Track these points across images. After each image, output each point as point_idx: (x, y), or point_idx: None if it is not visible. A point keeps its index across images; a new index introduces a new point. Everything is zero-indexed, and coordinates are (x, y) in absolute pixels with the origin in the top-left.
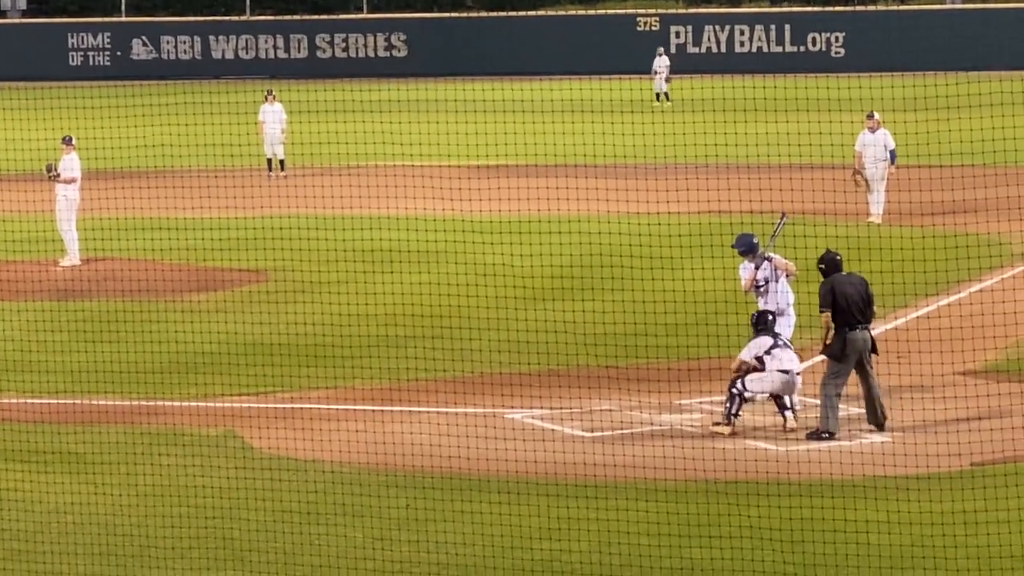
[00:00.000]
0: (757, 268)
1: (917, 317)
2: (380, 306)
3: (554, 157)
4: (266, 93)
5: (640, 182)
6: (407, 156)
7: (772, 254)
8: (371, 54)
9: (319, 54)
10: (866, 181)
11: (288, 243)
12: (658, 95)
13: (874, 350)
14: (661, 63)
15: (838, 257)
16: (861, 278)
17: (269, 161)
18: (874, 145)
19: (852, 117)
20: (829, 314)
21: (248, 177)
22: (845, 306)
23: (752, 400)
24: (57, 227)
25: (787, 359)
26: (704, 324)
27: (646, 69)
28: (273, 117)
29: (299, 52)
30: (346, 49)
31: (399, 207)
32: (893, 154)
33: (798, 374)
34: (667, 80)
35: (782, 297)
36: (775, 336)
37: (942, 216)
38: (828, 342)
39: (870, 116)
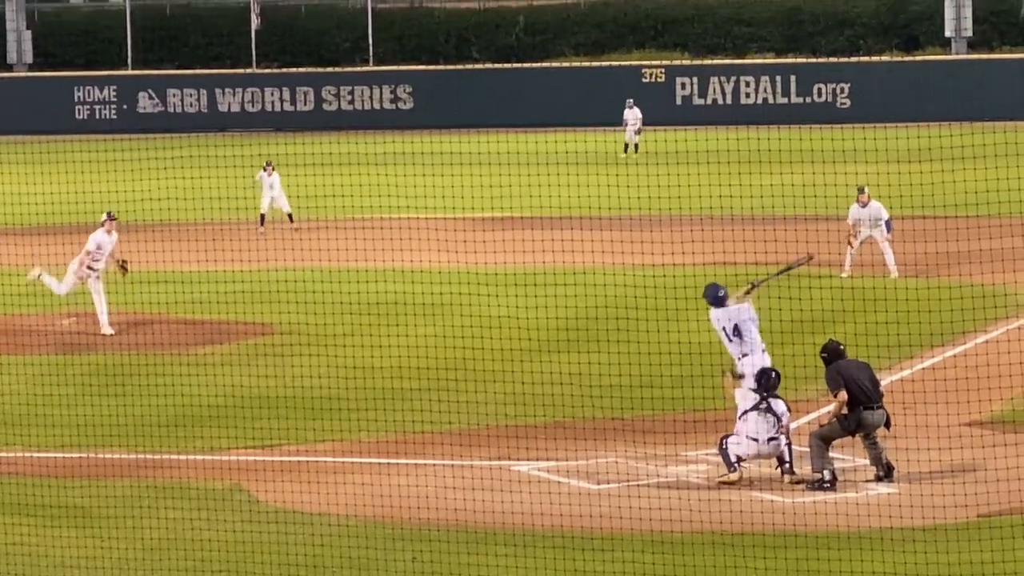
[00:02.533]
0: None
1: (923, 368)
2: (386, 358)
3: (560, 209)
4: (265, 164)
5: (646, 234)
6: (413, 208)
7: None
8: (377, 106)
9: (325, 106)
10: (852, 242)
11: (294, 296)
12: (626, 146)
13: (887, 425)
14: (632, 115)
15: (841, 346)
16: (863, 363)
17: (262, 216)
18: (869, 219)
19: (858, 168)
20: (844, 392)
21: (255, 230)
22: (856, 388)
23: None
24: (93, 298)
25: (758, 426)
26: (710, 376)
27: (651, 120)
28: (268, 183)
29: (305, 104)
30: (352, 101)
31: (405, 259)
32: (888, 224)
33: (772, 440)
34: (638, 132)
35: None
36: (765, 398)
37: (947, 267)
38: (836, 414)
39: (861, 191)
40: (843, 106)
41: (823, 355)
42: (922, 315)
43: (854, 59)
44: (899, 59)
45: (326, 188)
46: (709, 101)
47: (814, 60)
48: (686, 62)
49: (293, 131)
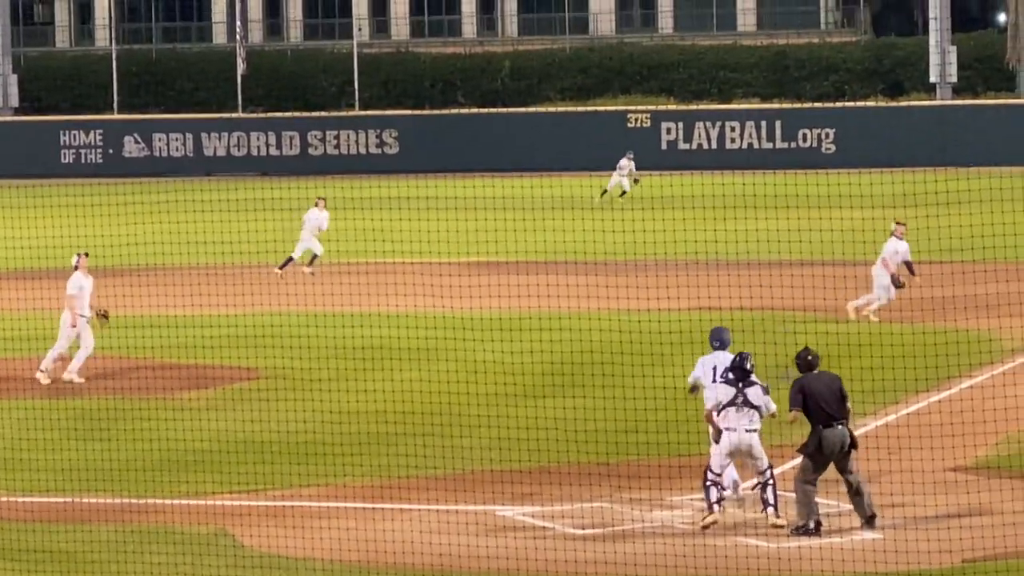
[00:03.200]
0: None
1: (908, 413)
2: (371, 403)
3: (545, 253)
4: (317, 200)
5: (631, 278)
6: (398, 253)
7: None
8: (363, 151)
9: (311, 151)
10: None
11: (280, 340)
12: (604, 192)
13: (853, 445)
14: (624, 163)
15: (810, 357)
16: (833, 376)
17: (290, 258)
18: (900, 254)
19: (842, 214)
20: (796, 412)
21: (240, 275)
22: (815, 405)
23: (725, 488)
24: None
25: (732, 417)
26: (695, 421)
27: (637, 165)
28: (318, 221)
29: (291, 149)
30: (338, 146)
31: (390, 304)
32: (911, 266)
33: (750, 431)
34: (636, 181)
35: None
36: (741, 390)
37: (932, 312)
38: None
39: (902, 224)
40: (828, 151)
41: (797, 362)
42: (907, 360)
43: (839, 104)
44: (884, 104)
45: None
46: (695, 146)
47: (799, 105)
48: (672, 107)
49: (279, 176)
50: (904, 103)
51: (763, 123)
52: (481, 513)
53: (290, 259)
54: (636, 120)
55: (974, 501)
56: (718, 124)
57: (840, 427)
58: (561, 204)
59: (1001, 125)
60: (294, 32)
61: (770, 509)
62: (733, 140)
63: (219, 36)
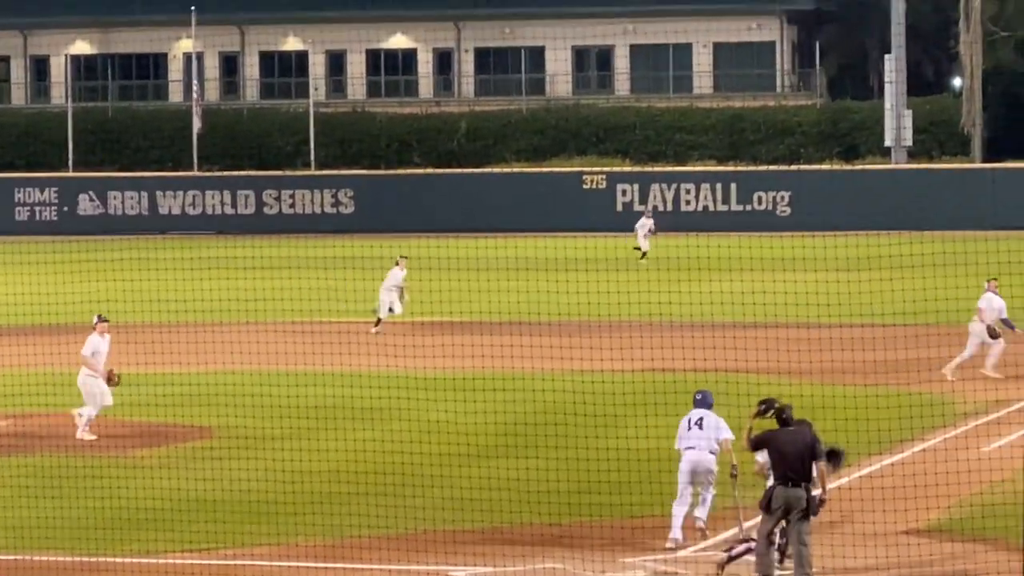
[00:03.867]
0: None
1: (861, 476)
2: (324, 462)
3: (499, 314)
4: (399, 258)
5: (585, 339)
6: (353, 312)
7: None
8: (318, 210)
9: (266, 210)
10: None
11: (233, 399)
12: (642, 252)
13: (810, 512)
14: (644, 221)
15: (784, 415)
16: (806, 433)
17: (379, 320)
18: (1002, 309)
19: (797, 276)
20: (760, 462)
21: (193, 332)
22: (775, 460)
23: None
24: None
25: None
26: (648, 482)
27: (592, 226)
28: (398, 279)
29: (246, 208)
30: (293, 205)
31: (344, 363)
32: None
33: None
34: (645, 236)
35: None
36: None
37: (886, 375)
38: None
39: (994, 279)
40: (783, 214)
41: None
42: (860, 423)
43: (795, 167)
44: (839, 168)
45: (267, 292)
46: (650, 208)
47: (755, 168)
48: (627, 169)
49: (234, 234)
50: (859, 167)
51: (718, 185)
52: (434, 573)
53: (379, 320)
54: (592, 181)
55: (927, 564)
56: (673, 186)
57: (797, 489)
58: (516, 265)
59: (956, 189)
60: (250, 91)
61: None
62: (688, 202)
63: (175, 95)
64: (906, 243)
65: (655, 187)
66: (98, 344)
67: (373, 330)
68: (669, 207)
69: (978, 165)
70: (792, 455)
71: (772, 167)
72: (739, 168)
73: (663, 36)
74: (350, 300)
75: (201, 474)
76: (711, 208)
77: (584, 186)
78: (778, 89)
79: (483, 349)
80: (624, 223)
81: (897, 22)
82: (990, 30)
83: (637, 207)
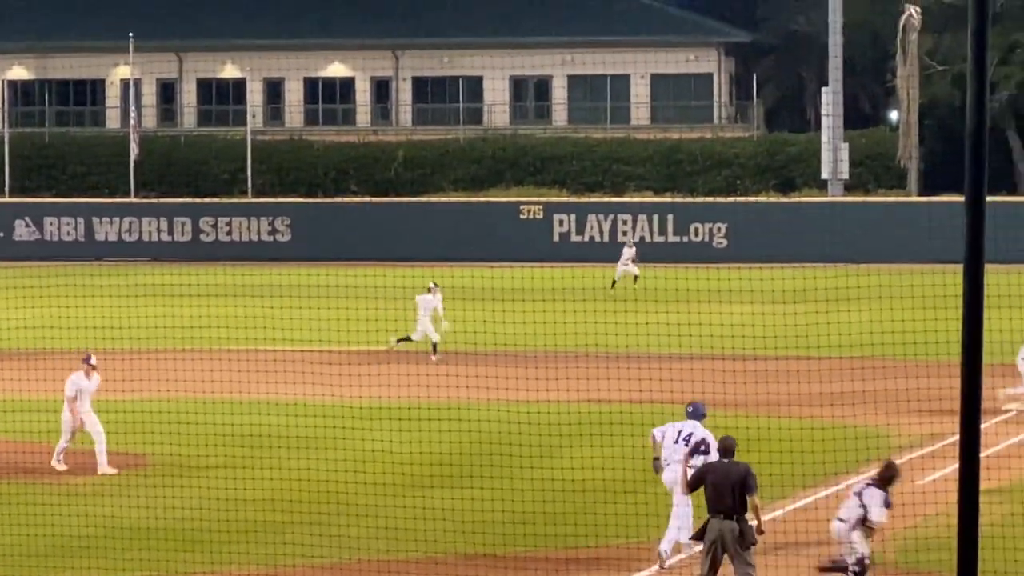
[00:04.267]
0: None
1: (795, 508)
2: (258, 491)
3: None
4: (431, 284)
5: (520, 369)
6: (288, 340)
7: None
8: (255, 238)
9: (203, 237)
10: None
11: (168, 427)
12: (613, 282)
13: (744, 543)
14: (627, 251)
15: (721, 446)
16: (738, 466)
17: (435, 345)
18: None
19: (733, 308)
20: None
21: (129, 360)
22: (708, 493)
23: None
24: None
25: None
26: (583, 513)
27: (529, 256)
28: (431, 305)
29: (183, 235)
30: (230, 232)
31: (279, 391)
32: None
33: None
34: (625, 264)
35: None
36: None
37: (820, 408)
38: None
39: None
40: (720, 245)
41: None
42: (795, 455)
43: (731, 199)
44: (776, 200)
45: (202, 319)
46: (587, 238)
47: (691, 199)
48: (564, 199)
49: (170, 261)
50: (796, 199)
51: (655, 216)
52: None
53: (407, 338)
54: (529, 211)
55: None
56: (610, 217)
57: (729, 522)
58: (452, 295)
59: (892, 222)
60: (188, 118)
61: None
62: (625, 233)
63: (112, 121)
64: (842, 276)
65: (592, 218)
66: (80, 383)
67: (433, 359)
68: (606, 238)
69: (914, 198)
70: (724, 487)
71: (709, 198)
72: (676, 199)
73: (601, 67)
74: (286, 328)
75: (135, 502)
76: (648, 239)
77: (521, 216)
78: (715, 121)
79: (419, 378)
80: (561, 253)
81: (834, 55)
82: (927, 64)
83: (574, 237)
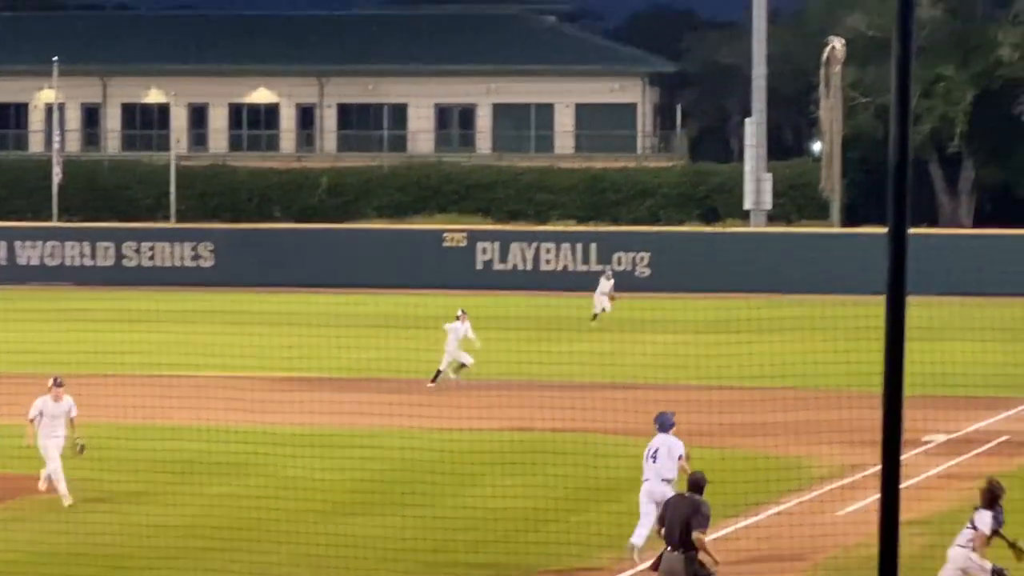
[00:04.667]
0: None
1: (715, 539)
2: (180, 516)
3: (357, 370)
4: (459, 312)
5: (443, 397)
6: (210, 366)
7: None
8: (178, 263)
9: (125, 262)
10: None
11: (89, 452)
12: (594, 316)
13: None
14: (603, 282)
15: (690, 479)
16: (691, 501)
17: (439, 371)
18: None
19: (655, 338)
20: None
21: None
22: (664, 526)
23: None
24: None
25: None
26: (504, 541)
27: (452, 284)
28: (461, 332)
29: (106, 260)
30: (152, 258)
31: (200, 417)
32: None
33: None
34: (606, 296)
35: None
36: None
37: (742, 438)
38: None
39: None
40: (642, 275)
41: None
42: (716, 485)
43: (654, 228)
44: (699, 230)
45: (124, 344)
46: (510, 266)
47: (615, 228)
48: (488, 227)
49: (93, 286)
50: (718, 229)
51: (579, 245)
52: None
53: (439, 372)
54: (452, 239)
55: None
56: (534, 245)
57: (675, 553)
58: (374, 321)
59: (814, 253)
60: (112, 143)
61: None
62: (548, 261)
63: (36, 145)
64: (764, 307)
65: (515, 246)
66: (44, 405)
67: (455, 379)
68: (529, 266)
69: (836, 229)
70: (675, 521)
71: (632, 227)
72: (599, 228)
73: (525, 96)
74: (209, 354)
75: (55, 527)
76: (571, 268)
77: (444, 243)
78: (639, 150)
79: (340, 405)
80: (484, 281)
81: (758, 86)
82: (850, 95)
83: (497, 266)
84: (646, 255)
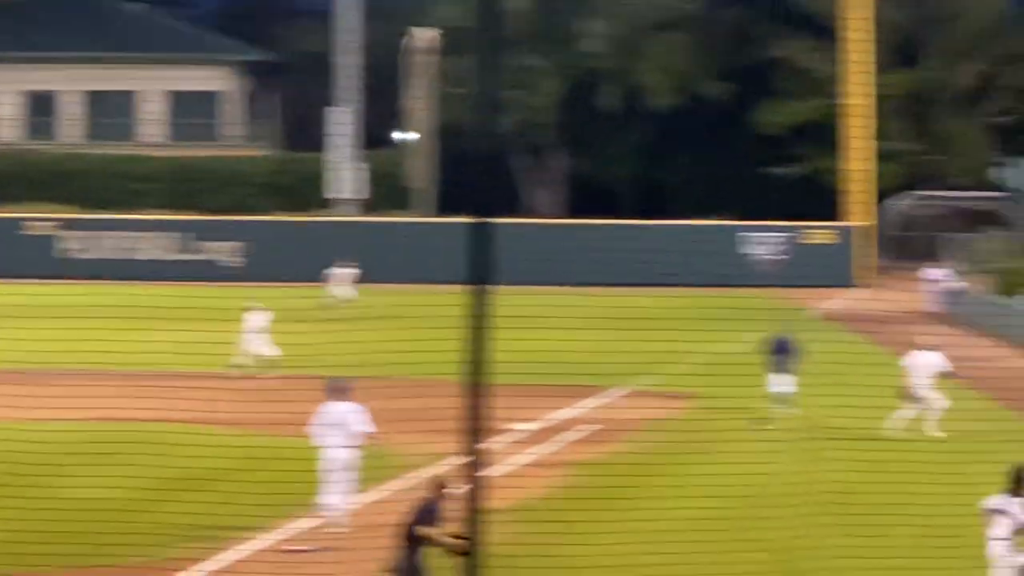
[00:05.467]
0: None
1: (291, 536)
2: None
3: None
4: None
5: (25, 388)
6: None
7: None
8: None
9: None
10: None
11: None
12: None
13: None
14: (337, 270)
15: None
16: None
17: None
18: None
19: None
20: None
21: None
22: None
23: None
24: None
25: None
26: (93, 532)
27: (32, 273)
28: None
29: None
30: None
31: None
32: None
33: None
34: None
35: None
36: None
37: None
38: None
39: None
40: (236, 265)
41: None
42: (298, 474)
43: (244, 218)
44: (287, 219)
45: None
46: (99, 256)
47: (204, 217)
48: (74, 216)
49: None
50: (307, 218)
51: (169, 234)
52: None
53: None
54: (35, 228)
55: None
56: (123, 235)
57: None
58: None
59: (402, 243)
60: None
61: None
62: (140, 250)
63: None
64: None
65: (104, 235)
66: None
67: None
68: (121, 255)
69: (424, 219)
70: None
71: (221, 217)
72: (189, 217)
73: (115, 83)
74: None
75: None
76: (160, 257)
77: (25, 232)
78: (229, 139)
79: None
80: (72, 270)
81: (346, 75)
82: (442, 87)
83: (86, 255)
84: (237, 244)
